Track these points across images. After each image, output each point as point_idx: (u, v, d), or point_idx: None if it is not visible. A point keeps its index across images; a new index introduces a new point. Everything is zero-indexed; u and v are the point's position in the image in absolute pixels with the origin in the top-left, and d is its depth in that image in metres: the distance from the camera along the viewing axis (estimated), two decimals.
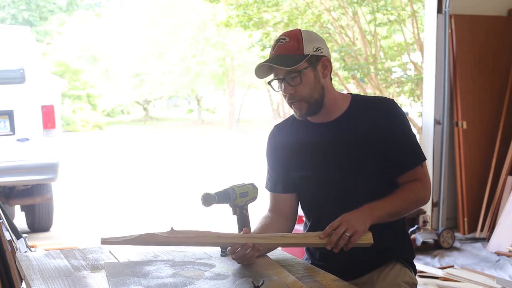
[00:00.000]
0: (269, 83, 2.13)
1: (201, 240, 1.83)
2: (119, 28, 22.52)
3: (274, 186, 2.24)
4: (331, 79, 2.15)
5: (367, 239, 1.93)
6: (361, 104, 2.15)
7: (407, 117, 2.29)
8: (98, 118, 24.48)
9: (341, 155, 2.10)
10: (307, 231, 2.23)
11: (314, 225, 2.21)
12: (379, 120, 2.09)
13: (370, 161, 2.09)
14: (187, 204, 8.27)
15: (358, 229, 1.90)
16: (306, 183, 2.18)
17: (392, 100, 2.17)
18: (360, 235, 1.90)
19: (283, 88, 2.07)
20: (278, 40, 2.08)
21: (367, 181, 2.09)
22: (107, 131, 23.29)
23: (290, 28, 7.69)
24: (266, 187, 2.28)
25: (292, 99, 2.08)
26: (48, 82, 6.32)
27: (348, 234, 1.89)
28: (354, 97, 2.18)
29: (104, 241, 1.83)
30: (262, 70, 2.08)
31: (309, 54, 2.04)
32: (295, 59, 2.02)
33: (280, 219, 2.20)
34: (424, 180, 2.12)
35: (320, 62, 2.07)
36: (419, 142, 7.00)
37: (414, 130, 6.91)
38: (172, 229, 1.83)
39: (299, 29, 2.10)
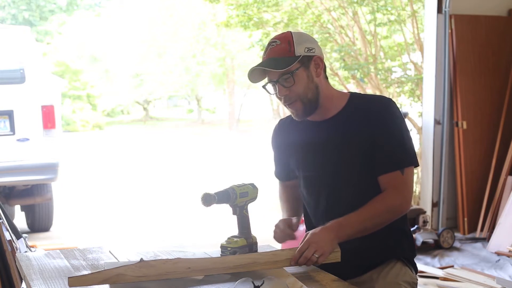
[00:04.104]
0: (263, 87, 2.15)
1: (172, 275, 1.82)
2: (119, 28, 22.49)
3: (278, 174, 2.38)
4: (326, 78, 2.16)
5: (335, 257, 1.95)
6: (357, 103, 2.14)
7: (404, 118, 2.25)
8: (98, 118, 24.45)
9: (335, 154, 2.11)
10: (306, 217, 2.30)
11: (309, 223, 2.26)
12: (372, 119, 2.08)
13: (362, 161, 2.08)
14: (187, 204, 8.27)
15: (326, 250, 1.93)
16: (302, 183, 2.21)
17: (389, 99, 2.14)
18: (327, 255, 1.93)
19: (277, 90, 2.08)
20: (269, 44, 2.10)
21: (359, 181, 2.09)
22: (107, 131, 23.27)
23: (290, 28, 7.69)
24: (274, 174, 2.41)
25: (287, 101, 2.10)
26: (48, 82, 6.32)
27: (316, 256, 1.91)
28: (352, 96, 2.18)
29: (72, 283, 1.73)
30: (255, 74, 2.10)
31: (300, 55, 2.05)
32: (287, 61, 2.04)
33: (290, 197, 2.32)
34: (399, 188, 2.05)
35: (312, 61, 2.09)
36: (419, 142, 6.91)
37: (414, 130, 6.89)
38: (141, 260, 1.81)
39: (290, 32, 2.11)
